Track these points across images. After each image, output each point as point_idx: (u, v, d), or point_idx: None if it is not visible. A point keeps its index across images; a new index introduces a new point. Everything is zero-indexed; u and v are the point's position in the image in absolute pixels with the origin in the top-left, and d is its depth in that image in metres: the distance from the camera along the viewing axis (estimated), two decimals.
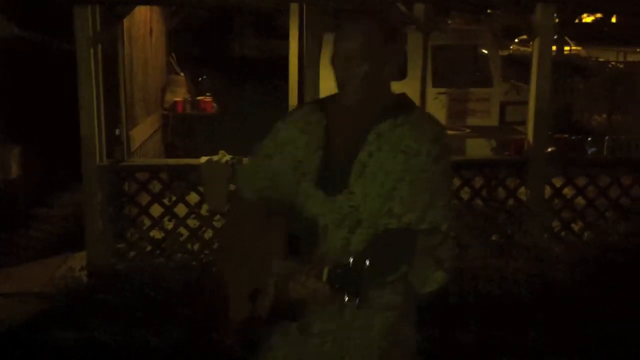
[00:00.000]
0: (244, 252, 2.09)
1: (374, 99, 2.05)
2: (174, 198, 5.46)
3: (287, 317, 2.03)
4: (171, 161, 6.43)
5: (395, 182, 1.96)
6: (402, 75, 9.05)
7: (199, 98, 9.08)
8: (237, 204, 2.30)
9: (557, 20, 5.85)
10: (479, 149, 8.21)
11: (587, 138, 5.99)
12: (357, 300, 1.80)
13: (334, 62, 2.05)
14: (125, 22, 6.22)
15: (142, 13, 7.24)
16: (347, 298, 1.80)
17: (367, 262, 1.79)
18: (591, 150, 5.87)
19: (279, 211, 2.08)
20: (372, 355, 2.08)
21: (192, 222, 5.47)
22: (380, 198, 1.97)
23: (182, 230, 5.47)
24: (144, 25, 7.44)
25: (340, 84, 2.04)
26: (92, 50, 5.11)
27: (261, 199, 2.17)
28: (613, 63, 14.37)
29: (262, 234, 2.04)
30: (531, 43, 5.62)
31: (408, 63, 9.09)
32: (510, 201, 5.63)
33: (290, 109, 8.34)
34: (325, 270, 1.83)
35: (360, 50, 1.98)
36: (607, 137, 5.96)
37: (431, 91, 8.89)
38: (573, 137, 6.00)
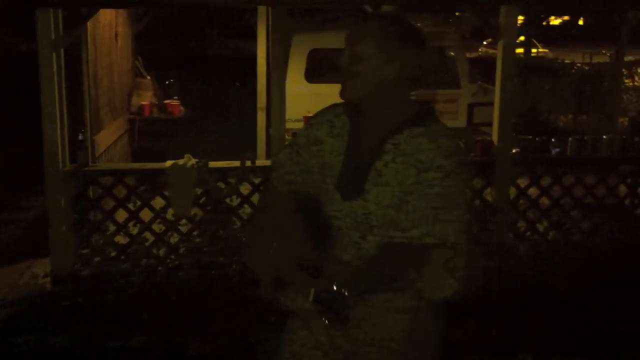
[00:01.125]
0: (268, 241, 2.14)
1: (390, 105, 2.07)
2: (139, 203, 5.41)
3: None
4: (136, 166, 6.37)
5: (405, 194, 1.99)
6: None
7: (166, 101, 9.00)
8: (269, 193, 2.39)
9: (521, 21, 5.91)
10: None
11: (552, 138, 6.03)
12: (336, 324, 1.95)
13: (343, 62, 2.06)
14: (90, 25, 6.15)
15: (106, 16, 7.17)
16: (326, 321, 1.94)
17: (346, 293, 1.90)
18: (555, 151, 5.91)
19: (303, 206, 2.18)
20: (384, 354, 2.12)
21: (157, 227, 5.43)
22: (391, 209, 2.01)
23: (147, 235, 5.43)
24: (109, 29, 7.37)
25: (342, 81, 2.07)
26: (54, 54, 5.06)
27: (291, 191, 2.27)
28: (579, 64, 14.52)
29: (287, 227, 2.16)
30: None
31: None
32: (477, 202, 5.66)
33: (258, 110, 8.37)
34: (312, 292, 1.92)
35: (362, 50, 2.01)
36: (570, 138, 6.00)
37: None
38: (538, 138, 6.03)
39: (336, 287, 1.90)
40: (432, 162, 1.98)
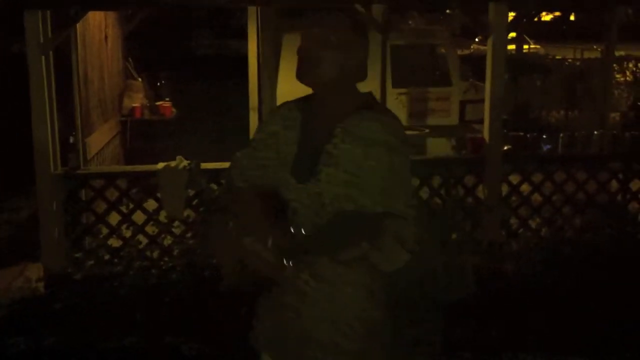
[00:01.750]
0: (232, 227, 2.25)
1: (341, 93, 2.24)
2: (131, 205, 5.40)
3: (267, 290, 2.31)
4: (128, 168, 6.36)
5: (355, 169, 2.14)
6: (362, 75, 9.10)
7: (157, 103, 8.99)
8: (228, 187, 2.53)
9: (511, 18, 5.91)
10: (439, 148, 8.26)
11: (543, 135, 6.04)
12: (292, 264, 2.08)
13: (299, 50, 2.20)
14: (79, 27, 6.14)
15: (96, 18, 7.15)
16: (286, 262, 2.07)
17: (303, 231, 2.11)
18: (546, 147, 5.92)
19: (261, 195, 2.28)
20: (339, 330, 2.22)
21: (150, 229, 5.42)
22: (342, 184, 2.15)
23: (140, 237, 5.41)
24: (99, 31, 7.35)
25: (301, 70, 2.19)
26: (43, 56, 5.04)
27: (250, 187, 2.38)
28: (570, 60, 14.56)
29: (250, 211, 2.23)
30: None
31: (367, 63, 9.14)
32: (469, 199, 5.67)
33: (250, 110, 8.35)
34: (270, 239, 2.06)
35: (327, 36, 2.16)
36: (561, 134, 6.02)
37: (392, 91, 8.92)
38: (529, 135, 6.04)
39: (293, 229, 2.10)
40: (378, 138, 2.14)
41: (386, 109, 2.30)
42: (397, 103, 9.16)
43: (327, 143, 2.19)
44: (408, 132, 7.31)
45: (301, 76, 2.20)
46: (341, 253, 2.13)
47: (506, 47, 5.77)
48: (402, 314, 2.44)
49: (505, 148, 5.80)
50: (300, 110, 2.33)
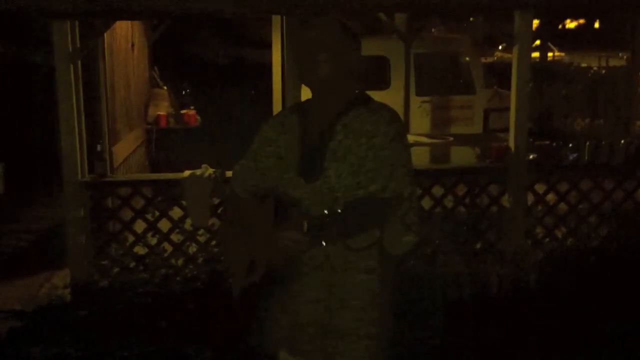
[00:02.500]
0: (241, 231, 2.41)
1: (338, 91, 2.40)
2: (157, 213, 5.44)
3: (277, 282, 2.42)
4: (154, 176, 6.41)
5: (361, 159, 2.32)
6: (385, 84, 9.11)
7: (182, 111, 9.06)
8: (232, 196, 2.68)
9: (537, 24, 5.89)
10: (463, 156, 8.23)
11: (569, 144, 6.00)
12: (335, 242, 2.32)
13: (297, 56, 2.42)
14: (106, 36, 6.22)
15: (123, 27, 7.24)
16: (324, 243, 2.31)
17: (339, 210, 2.31)
18: (573, 156, 5.88)
19: (265, 201, 2.41)
20: (356, 316, 2.38)
21: (175, 237, 5.45)
22: (351, 175, 2.33)
23: (165, 245, 5.45)
24: (126, 40, 7.44)
25: (304, 68, 2.37)
26: (71, 66, 5.10)
27: (252, 194, 2.54)
28: (595, 68, 14.46)
29: (255, 213, 2.39)
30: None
31: (391, 72, 9.14)
32: (493, 208, 5.65)
33: None
34: (305, 223, 2.28)
35: (320, 39, 2.33)
36: (587, 142, 5.97)
37: (415, 99, 8.91)
38: (554, 144, 6.00)
39: (327, 212, 2.30)
40: (378, 130, 2.32)
41: (381, 103, 2.44)
42: (420, 111, 9.15)
43: (330, 141, 2.36)
44: (432, 141, 7.29)
45: (301, 77, 2.40)
46: (354, 241, 2.35)
47: (531, 55, 5.74)
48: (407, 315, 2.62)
49: (531, 157, 5.76)
50: (296, 114, 2.49)
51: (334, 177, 2.34)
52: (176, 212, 5.46)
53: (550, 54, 20.79)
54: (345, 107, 2.40)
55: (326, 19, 2.42)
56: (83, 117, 5.28)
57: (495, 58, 22.19)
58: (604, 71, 13.77)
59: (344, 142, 2.35)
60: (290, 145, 2.44)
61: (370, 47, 9.28)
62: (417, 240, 2.38)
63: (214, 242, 5.40)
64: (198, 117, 9.15)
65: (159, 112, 8.66)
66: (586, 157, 5.93)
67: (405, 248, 2.39)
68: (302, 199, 2.37)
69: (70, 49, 5.08)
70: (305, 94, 7.49)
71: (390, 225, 2.36)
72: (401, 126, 2.39)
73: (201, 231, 5.43)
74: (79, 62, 5.22)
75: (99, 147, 5.63)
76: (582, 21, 34.23)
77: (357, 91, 2.45)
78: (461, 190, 5.68)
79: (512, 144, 5.56)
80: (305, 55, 2.36)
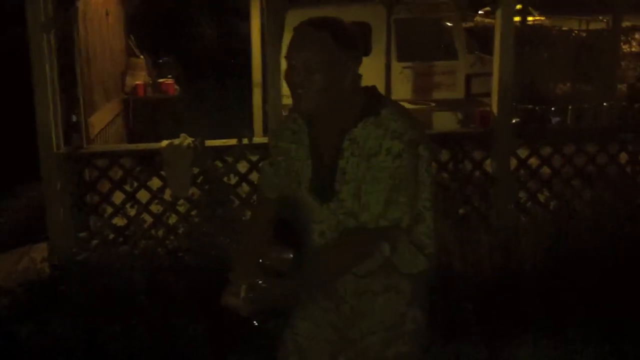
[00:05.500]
0: (250, 246, 2.19)
1: (344, 104, 2.10)
2: (135, 184, 5.34)
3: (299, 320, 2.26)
4: (131, 146, 6.30)
5: (359, 182, 2.04)
6: (367, 50, 9.00)
7: (160, 80, 8.92)
8: (258, 200, 2.50)
9: None
10: (445, 122, 8.19)
11: (552, 108, 5.96)
12: (257, 322, 1.99)
13: (287, 75, 2.08)
14: (80, 5, 6.06)
15: None
16: (254, 321, 1.99)
17: (277, 286, 1.95)
18: (555, 120, 5.86)
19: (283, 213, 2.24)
20: (385, 339, 2.18)
21: (155, 208, 5.37)
22: (353, 199, 2.06)
23: (145, 216, 5.36)
24: (101, 8, 7.27)
25: (294, 93, 2.07)
26: (45, 36, 4.96)
27: (280, 197, 2.31)
28: (576, 32, 14.40)
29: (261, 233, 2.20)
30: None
31: (372, 37, 9.04)
32: (477, 173, 5.60)
33: (254, 86, 8.29)
34: (243, 288, 1.95)
35: (314, 59, 2.03)
36: (570, 106, 5.94)
37: (396, 65, 8.84)
38: (537, 108, 5.97)
39: (263, 281, 1.95)
40: (381, 146, 2.01)
41: (392, 107, 2.11)
42: (401, 77, 9.08)
43: (339, 158, 2.09)
44: (412, 107, 7.19)
45: (299, 108, 2.10)
46: (356, 268, 2.11)
47: (514, 18, 5.67)
48: None
49: (514, 121, 5.71)
50: (305, 122, 2.21)
51: (350, 202, 2.07)
52: (155, 183, 5.37)
53: (530, 18, 20.69)
54: (354, 119, 2.10)
55: (317, 32, 2.06)
56: (58, 88, 5.14)
57: (475, 23, 22.09)
58: (585, 35, 13.71)
59: (351, 160, 2.07)
60: (301, 158, 2.19)
61: (351, 13, 9.16)
62: (429, 263, 2.16)
63: (194, 212, 5.32)
64: (177, 87, 9.01)
65: (136, 82, 8.51)
66: (569, 121, 5.90)
67: (416, 269, 2.15)
68: (314, 222, 2.16)
69: (44, 19, 4.93)
70: (285, 62, 7.37)
71: (401, 245, 2.11)
72: (413, 140, 2.04)
73: (181, 201, 5.35)
74: (53, 32, 5.08)
75: (74, 118, 5.50)
76: None
77: (365, 93, 2.15)
78: (444, 156, 5.63)
79: (495, 109, 5.50)
80: (298, 85, 2.06)
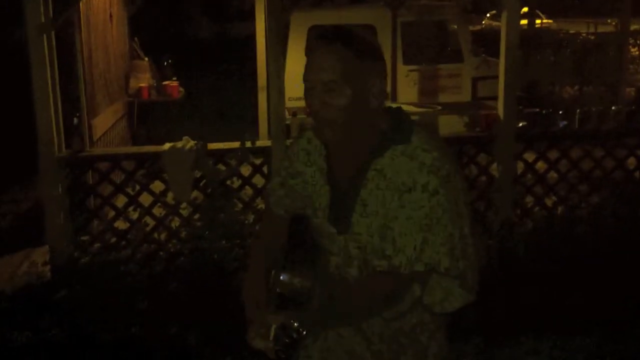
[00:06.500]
0: (260, 272, 2.02)
1: (368, 127, 1.90)
2: (137, 187, 5.30)
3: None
4: (133, 149, 6.27)
5: (389, 220, 1.84)
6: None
7: (164, 83, 8.88)
8: (266, 219, 2.25)
9: None
10: (451, 126, 8.11)
11: (558, 111, 5.89)
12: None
13: (307, 95, 1.87)
14: (83, 7, 6.03)
15: None
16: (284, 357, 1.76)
17: (304, 332, 1.74)
18: (562, 124, 5.79)
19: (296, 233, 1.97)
20: None
21: (157, 211, 5.32)
22: (377, 237, 1.86)
23: (147, 219, 5.32)
24: (104, 11, 7.23)
25: (318, 118, 1.87)
26: (45, 37, 4.92)
27: (290, 213, 2.09)
28: (584, 35, 14.32)
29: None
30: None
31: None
32: (482, 178, 5.54)
33: (259, 90, 8.24)
34: (273, 329, 1.75)
35: (332, 77, 1.82)
36: (578, 110, 5.86)
37: (402, 68, 8.79)
38: (544, 111, 5.89)
39: (297, 324, 1.74)
40: (416, 182, 1.81)
41: (422, 135, 1.90)
42: (407, 80, 9.02)
43: (362, 188, 1.89)
44: (419, 110, 7.10)
45: (321, 136, 1.91)
46: (384, 312, 1.94)
47: (519, 21, 5.61)
48: None
49: (520, 125, 5.64)
50: (321, 142, 2.00)
51: (365, 236, 1.88)
52: (157, 186, 5.33)
53: (538, 21, 20.63)
54: (379, 144, 1.89)
55: (335, 47, 1.83)
56: (58, 91, 5.11)
57: (483, 26, 22.03)
58: (592, 37, 13.62)
59: (375, 193, 1.86)
60: (317, 182, 2.00)
61: (356, 15, 9.12)
62: (471, 297, 1.91)
63: (196, 216, 5.28)
64: (181, 89, 8.97)
65: (140, 84, 8.47)
66: (576, 125, 5.82)
67: (456, 304, 1.91)
68: (331, 253, 1.97)
69: (43, 19, 4.89)
70: (291, 62, 7.37)
71: (434, 282, 1.90)
72: (448, 175, 1.83)
73: (183, 205, 5.30)
74: (53, 34, 5.04)
75: (75, 121, 5.46)
76: None
77: (390, 115, 1.95)
78: None
79: (501, 112, 5.43)
80: (317, 107, 1.85)
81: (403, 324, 1.98)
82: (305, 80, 1.87)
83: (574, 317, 4.28)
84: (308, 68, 1.86)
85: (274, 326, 1.75)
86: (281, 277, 1.79)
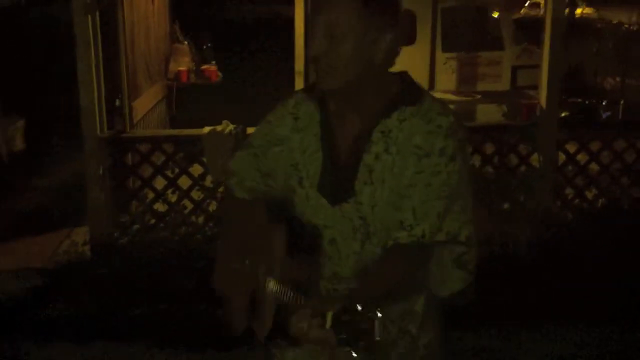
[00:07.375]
0: (241, 258, 1.88)
1: (373, 85, 1.75)
2: (177, 170, 5.33)
3: (287, 339, 1.71)
4: (174, 132, 6.30)
5: (405, 188, 1.71)
6: (411, 39, 8.88)
7: (203, 67, 8.91)
8: (230, 203, 2.05)
9: None
10: (489, 114, 8.03)
11: (602, 102, 5.78)
12: (366, 352, 1.47)
13: (310, 40, 1.73)
14: None
15: None
16: (354, 354, 1.48)
17: (379, 313, 1.47)
18: (606, 114, 5.68)
19: (276, 216, 1.84)
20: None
21: (196, 194, 5.35)
22: (390, 207, 1.72)
23: (186, 202, 5.35)
24: None
25: (319, 64, 1.72)
26: (89, 18, 4.96)
27: (255, 199, 1.93)
28: (627, 25, 14.02)
29: (260, 238, 1.83)
30: (542, 6, 5.43)
31: (417, 26, 8.91)
32: (522, 167, 5.48)
33: (296, 74, 8.22)
34: (329, 316, 1.50)
35: (339, 23, 1.67)
36: (622, 101, 5.75)
37: (440, 55, 8.70)
38: (587, 101, 5.79)
39: (361, 307, 1.47)
40: (433, 146, 1.70)
41: (432, 98, 1.79)
42: (446, 68, 8.93)
43: (364, 151, 1.74)
44: (456, 98, 7.06)
45: (321, 85, 1.75)
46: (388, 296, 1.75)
47: (565, 9, 5.52)
48: None
49: (562, 114, 5.56)
50: (315, 104, 1.84)
51: (367, 205, 1.73)
52: (196, 169, 5.36)
53: (578, 10, 20.27)
54: (386, 107, 1.75)
55: None
56: (102, 71, 5.15)
57: (522, 14, 21.71)
58: (636, 28, 13.33)
59: (383, 158, 1.72)
60: (306, 149, 1.82)
61: None
62: (470, 280, 1.82)
63: None
64: (219, 73, 9.00)
65: (179, 68, 8.51)
66: (620, 116, 5.72)
67: (455, 287, 1.82)
68: (324, 227, 1.79)
69: (89, 0, 4.94)
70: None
71: (438, 264, 1.80)
72: (463, 139, 1.76)
73: (221, 188, 5.32)
74: (97, 14, 5.08)
75: (117, 102, 5.51)
76: None
77: (399, 78, 1.80)
78: (489, 149, 5.51)
79: (542, 101, 5.36)
80: (320, 56, 1.71)
81: (391, 309, 1.80)
82: (310, 23, 1.74)
83: (603, 307, 4.27)
84: (313, 10, 1.74)
85: (330, 313, 1.50)
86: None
